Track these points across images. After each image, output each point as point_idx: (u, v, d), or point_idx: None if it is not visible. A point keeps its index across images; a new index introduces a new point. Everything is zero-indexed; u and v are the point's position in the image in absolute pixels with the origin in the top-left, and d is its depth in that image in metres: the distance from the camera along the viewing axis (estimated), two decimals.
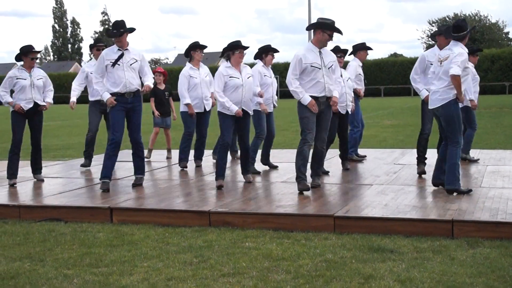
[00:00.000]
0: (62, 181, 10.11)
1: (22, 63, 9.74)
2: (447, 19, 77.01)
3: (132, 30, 9.00)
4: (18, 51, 9.66)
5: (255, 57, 10.63)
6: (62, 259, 6.11)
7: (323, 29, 8.31)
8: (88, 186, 9.48)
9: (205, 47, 11.00)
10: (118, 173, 10.77)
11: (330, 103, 8.47)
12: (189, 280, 5.40)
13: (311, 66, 8.26)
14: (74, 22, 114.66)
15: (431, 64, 8.66)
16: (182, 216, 7.55)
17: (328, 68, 8.38)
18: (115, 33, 8.87)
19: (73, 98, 11.39)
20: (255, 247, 6.33)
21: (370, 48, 11.58)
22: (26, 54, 9.61)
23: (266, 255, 6.05)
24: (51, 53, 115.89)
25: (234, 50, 9.03)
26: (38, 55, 10.04)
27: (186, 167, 11.06)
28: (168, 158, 12.65)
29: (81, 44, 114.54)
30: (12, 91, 9.83)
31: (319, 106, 8.32)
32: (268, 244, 6.45)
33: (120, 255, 6.19)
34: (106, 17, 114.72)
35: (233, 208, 7.60)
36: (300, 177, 8.45)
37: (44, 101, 9.79)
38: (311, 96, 8.26)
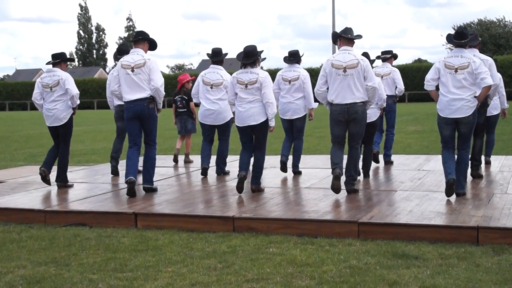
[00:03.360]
0: (87, 186, 10.19)
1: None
2: (472, 25, 76.38)
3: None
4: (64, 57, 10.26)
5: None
6: (87, 264, 6.15)
7: None
8: (113, 191, 9.53)
9: None
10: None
11: None
12: (213, 285, 5.42)
13: None
14: (99, 28, 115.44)
15: None
16: (206, 222, 7.57)
17: None
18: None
19: None
20: (279, 253, 6.33)
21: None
22: (66, 61, 10.26)
23: (290, 261, 6.04)
24: (76, 59, 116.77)
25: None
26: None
27: None
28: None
29: (105, 50, 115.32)
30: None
31: None
32: (292, 250, 6.45)
33: (144, 260, 6.22)
34: (131, 23, 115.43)
35: (257, 213, 7.62)
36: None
37: None
38: None
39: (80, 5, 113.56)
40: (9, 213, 8.42)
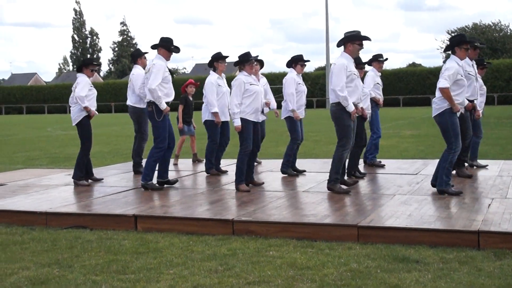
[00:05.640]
0: (87, 189, 10.20)
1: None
2: (467, 29, 76.56)
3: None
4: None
5: (287, 66, 11.35)
6: (90, 266, 6.17)
7: (352, 41, 8.96)
8: (113, 194, 9.55)
9: (226, 57, 11.57)
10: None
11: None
12: (215, 287, 5.44)
13: (354, 74, 9.01)
14: (92, 33, 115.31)
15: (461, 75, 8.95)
16: (206, 225, 7.59)
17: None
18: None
19: None
20: (280, 256, 6.35)
21: (385, 59, 12.46)
22: (88, 66, 10.78)
23: (291, 263, 6.06)
24: (71, 63, 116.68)
25: (244, 62, 9.67)
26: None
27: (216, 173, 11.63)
28: (198, 161, 13.64)
29: (99, 54, 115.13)
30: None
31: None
32: (292, 253, 6.47)
33: (146, 262, 6.25)
34: (124, 27, 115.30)
35: (256, 217, 7.64)
36: (337, 179, 9.23)
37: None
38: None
39: (74, 9, 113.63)
40: (11, 215, 8.43)
